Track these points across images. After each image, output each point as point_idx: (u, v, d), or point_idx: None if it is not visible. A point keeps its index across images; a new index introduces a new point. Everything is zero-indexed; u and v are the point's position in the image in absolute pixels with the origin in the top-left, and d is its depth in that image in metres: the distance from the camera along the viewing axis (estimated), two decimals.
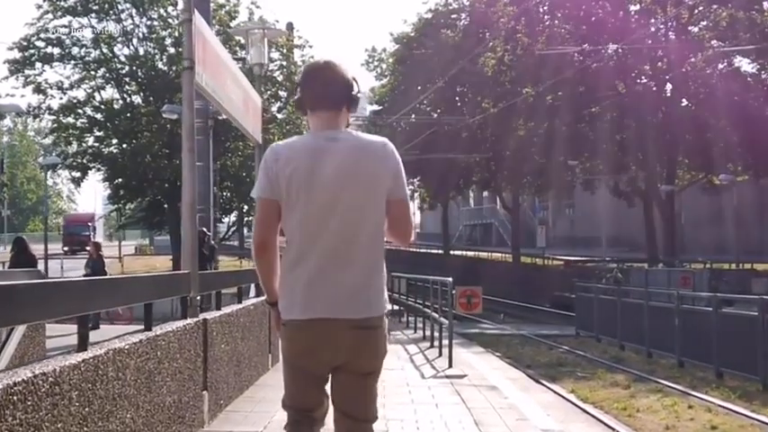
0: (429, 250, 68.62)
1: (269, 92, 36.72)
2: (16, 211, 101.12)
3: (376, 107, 61.60)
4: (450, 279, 13.98)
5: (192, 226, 7.67)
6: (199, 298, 7.72)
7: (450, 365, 12.38)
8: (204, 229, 19.44)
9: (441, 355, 13.61)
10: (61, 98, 37.78)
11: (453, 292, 13.64)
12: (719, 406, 11.55)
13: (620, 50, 41.07)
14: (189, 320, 7.14)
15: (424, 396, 9.55)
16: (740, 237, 40.04)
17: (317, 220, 3.55)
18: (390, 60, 60.15)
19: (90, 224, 61.01)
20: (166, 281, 7.37)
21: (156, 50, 38.24)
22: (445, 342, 13.30)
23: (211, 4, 33.38)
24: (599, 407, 11.56)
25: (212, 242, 20.31)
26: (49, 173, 67.55)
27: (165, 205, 38.36)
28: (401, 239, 3.80)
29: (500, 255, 56.92)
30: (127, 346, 5.26)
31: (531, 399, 9.44)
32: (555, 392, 12.42)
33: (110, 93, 38.91)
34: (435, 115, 53.36)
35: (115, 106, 38.32)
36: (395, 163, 3.64)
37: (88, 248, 20.47)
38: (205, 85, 8.01)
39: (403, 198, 3.66)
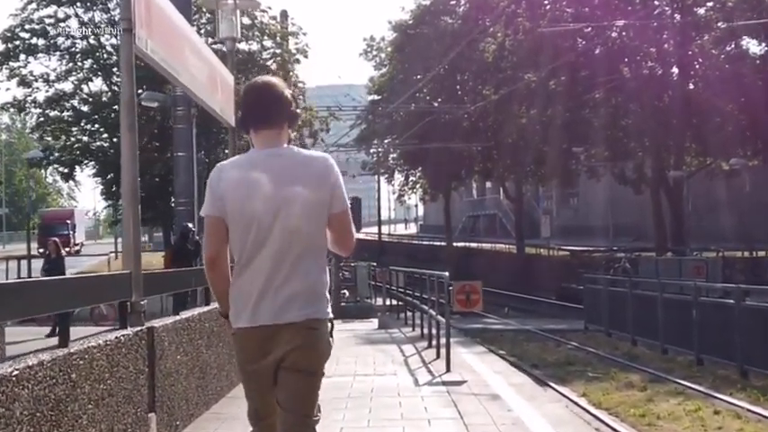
0: (432, 242, 67.52)
1: None
2: (15, 210, 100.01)
3: (375, 97, 60.32)
4: (447, 273, 12.79)
5: (133, 216, 6.48)
6: (145, 303, 6.55)
7: (448, 369, 11.21)
8: (189, 225, 18.31)
9: (438, 356, 12.46)
10: (47, 91, 36.66)
11: (450, 288, 12.44)
12: (749, 411, 10.33)
13: (623, 33, 39.89)
14: (126, 331, 5.96)
15: (416, 409, 8.38)
16: (751, 224, 38.79)
17: (259, 234, 3.78)
18: (389, 49, 58.88)
19: (69, 222, 56.95)
20: (97, 284, 6.16)
21: None
22: (443, 341, 12.13)
23: None
24: (614, 413, 10.37)
25: (197, 238, 19.17)
26: (49, 170, 66.04)
27: (157, 201, 37.09)
28: (342, 249, 4.04)
29: (504, 246, 55.73)
30: (15, 373, 4.08)
31: (538, 411, 8.24)
32: (565, 396, 11.28)
33: (98, 85, 37.78)
34: (436, 104, 52.13)
35: (104, 99, 37.09)
36: (334, 177, 3.85)
37: (63, 248, 19.08)
38: (150, 52, 6.81)
39: (342, 210, 3.88)
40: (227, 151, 36.05)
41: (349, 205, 3.95)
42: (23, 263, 26.91)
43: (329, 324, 3.89)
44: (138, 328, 6.14)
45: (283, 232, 3.76)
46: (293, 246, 3.77)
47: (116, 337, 5.61)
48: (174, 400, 7.01)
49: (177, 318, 7.43)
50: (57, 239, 17.17)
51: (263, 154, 3.87)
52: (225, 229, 3.83)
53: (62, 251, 16.41)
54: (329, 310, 3.89)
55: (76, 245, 56.67)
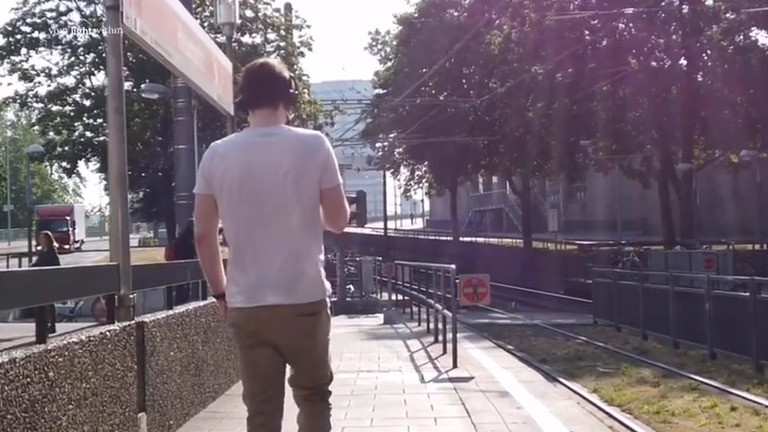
0: (438, 237, 67.16)
1: None
2: (21, 207, 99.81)
3: (380, 91, 59.92)
4: (453, 266, 12.43)
5: (121, 203, 6.14)
6: (134, 296, 6.20)
7: (455, 365, 10.85)
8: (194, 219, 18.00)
9: (445, 352, 12.10)
10: (49, 85, 36.43)
11: (457, 280, 12.08)
12: (767, 407, 9.94)
13: (630, 25, 39.49)
14: (113, 326, 5.61)
15: (422, 407, 8.02)
16: (761, 216, 38.32)
17: (251, 212, 3.80)
18: (394, 43, 58.48)
19: (68, 218, 55.11)
20: (81, 276, 5.80)
21: None
22: (449, 336, 11.77)
23: None
24: (627, 410, 10.00)
25: None
26: (54, 166, 65.43)
27: (161, 196, 36.85)
28: (335, 226, 3.99)
29: (511, 240, 55.33)
30: None
31: (550, 409, 7.87)
32: (576, 393, 10.90)
33: (100, 79, 37.47)
34: (441, 98, 51.73)
35: (106, 93, 36.81)
36: (325, 154, 3.87)
37: (62, 245, 18.60)
38: (140, 32, 6.48)
39: (333, 186, 3.88)
40: None
41: (341, 181, 3.96)
42: (24, 260, 26.60)
43: (327, 301, 3.96)
44: (127, 323, 5.80)
45: (277, 210, 3.80)
46: (287, 224, 3.81)
47: (101, 333, 5.27)
48: (167, 399, 6.67)
49: (170, 312, 7.08)
50: (48, 232, 16.72)
51: (256, 133, 3.91)
52: (215, 206, 3.89)
53: (54, 244, 15.93)
54: (328, 286, 3.95)
55: (76, 242, 55.86)
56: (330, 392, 4.12)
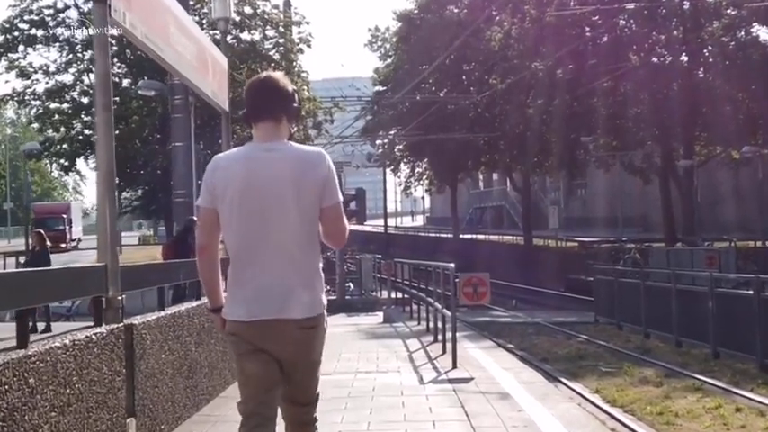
0: (438, 234, 67.00)
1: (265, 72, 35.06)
2: (20, 205, 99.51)
3: (380, 88, 59.74)
4: (453, 265, 12.25)
5: (109, 202, 5.96)
6: (122, 298, 6.01)
7: (455, 365, 10.67)
8: (194, 218, 17.82)
9: (444, 351, 11.92)
10: (47, 82, 36.25)
11: (456, 279, 11.89)
12: None
13: (630, 20, 39.33)
14: (99, 329, 5.43)
15: (420, 410, 7.83)
16: (763, 213, 38.14)
17: (252, 227, 3.81)
18: (394, 40, 58.31)
19: (64, 216, 54.66)
20: (67, 278, 5.61)
21: None
22: (449, 335, 11.58)
23: None
24: (630, 411, 9.81)
25: None
26: (54, 165, 64.99)
27: (160, 194, 36.64)
28: (334, 243, 4.01)
29: (511, 237, 55.14)
30: None
31: (551, 411, 7.69)
32: (578, 394, 10.71)
33: None
34: (442, 95, 51.56)
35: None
36: (327, 171, 3.88)
37: (58, 243, 18.39)
38: (129, 26, 6.28)
39: (334, 204, 3.89)
40: (232, 143, 35.57)
41: (342, 199, 3.96)
42: (22, 258, 26.37)
43: (324, 315, 3.96)
44: (114, 326, 5.62)
45: (277, 225, 3.80)
46: (287, 239, 3.81)
47: (86, 336, 5.09)
48: (158, 403, 6.49)
49: (161, 314, 6.90)
50: (41, 231, 16.49)
51: (258, 148, 3.91)
52: (217, 219, 3.90)
53: (47, 243, 15.71)
54: (324, 301, 3.95)
55: (73, 240, 55.52)
56: (316, 409, 4.09)
